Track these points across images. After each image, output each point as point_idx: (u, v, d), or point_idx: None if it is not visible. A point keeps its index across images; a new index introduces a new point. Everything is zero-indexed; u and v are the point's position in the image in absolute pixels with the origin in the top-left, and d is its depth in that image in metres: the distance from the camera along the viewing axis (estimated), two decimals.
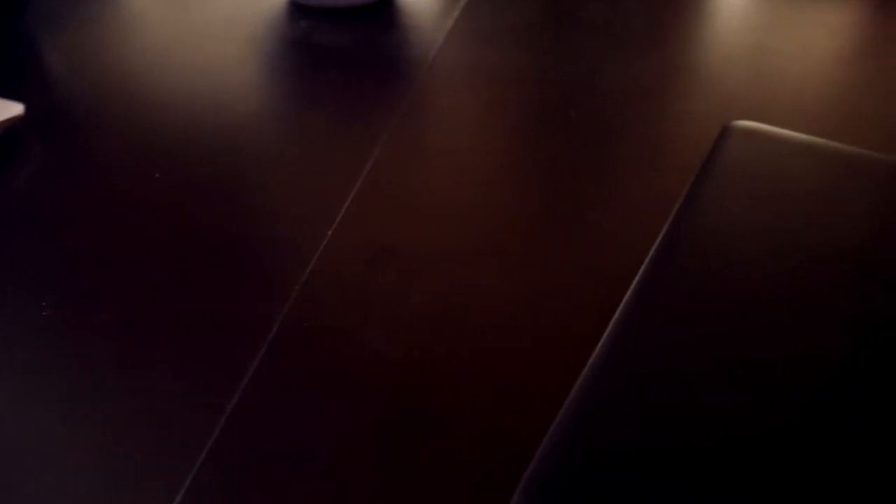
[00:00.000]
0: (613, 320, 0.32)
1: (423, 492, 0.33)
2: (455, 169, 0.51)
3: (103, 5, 0.71)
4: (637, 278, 0.34)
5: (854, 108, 0.57)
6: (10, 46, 0.65)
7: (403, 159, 0.51)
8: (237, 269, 0.43)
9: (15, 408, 0.37)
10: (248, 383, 0.37)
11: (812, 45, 0.66)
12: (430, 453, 0.34)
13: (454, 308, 0.41)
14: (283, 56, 0.63)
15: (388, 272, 0.43)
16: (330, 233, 0.45)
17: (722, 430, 0.27)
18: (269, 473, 0.34)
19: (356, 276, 0.43)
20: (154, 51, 0.64)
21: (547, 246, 0.45)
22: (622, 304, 0.33)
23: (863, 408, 0.27)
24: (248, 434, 0.35)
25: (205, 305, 0.41)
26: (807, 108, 0.57)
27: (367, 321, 0.40)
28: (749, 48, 0.65)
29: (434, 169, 0.51)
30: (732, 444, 0.26)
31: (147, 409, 0.36)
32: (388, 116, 0.56)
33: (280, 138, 0.54)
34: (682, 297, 0.32)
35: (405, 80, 0.60)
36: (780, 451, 0.26)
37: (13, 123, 0.53)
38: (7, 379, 0.38)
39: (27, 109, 0.54)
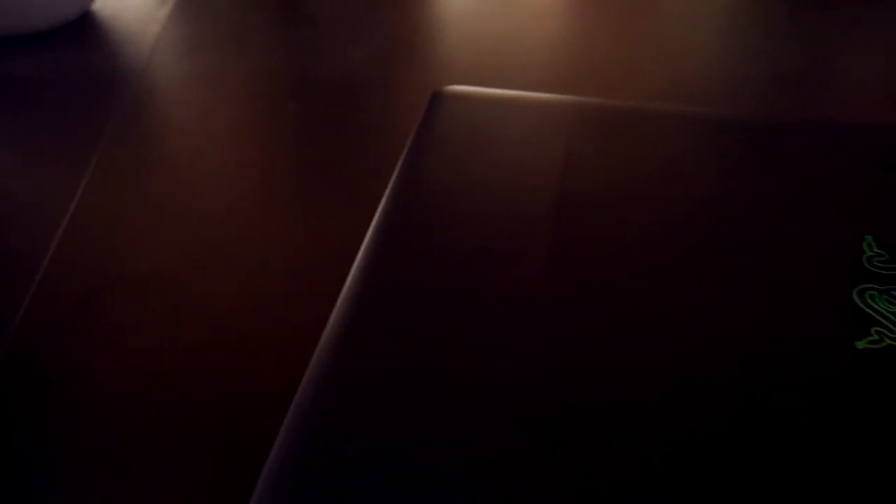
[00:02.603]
0: (336, 306, 0.31)
1: None
2: (175, 182, 0.48)
3: None
4: (356, 261, 0.33)
5: (560, 57, 0.60)
6: None
7: (118, 182, 0.48)
8: None
9: None
10: None
11: (518, 3, 0.68)
12: (166, 474, 0.32)
13: (182, 326, 0.38)
14: None
15: (110, 302, 0.40)
16: (39, 276, 0.41)
17: (458, 408, 0.26)
18: None
19: (74, 313, 0.39)
20: None
21: (276, 244, 0.43)
22: (344, 289, 0.32)
23: (586, 353, 0.28)
24: None
25: None
26: (516, 64, 0.59)
27: (91, 358, 0.37)
28: (459, 15, 0.66)
29: (152, 185, 0.48)
30: (469, 423, 0.26)
31: None
32: (95, 139, 0.52)
33: None
34: (400, 270, 0.32)
35: (114, 98, 0.56)
36: (528, 419, 0.26)
37: None
38: None
39: None
